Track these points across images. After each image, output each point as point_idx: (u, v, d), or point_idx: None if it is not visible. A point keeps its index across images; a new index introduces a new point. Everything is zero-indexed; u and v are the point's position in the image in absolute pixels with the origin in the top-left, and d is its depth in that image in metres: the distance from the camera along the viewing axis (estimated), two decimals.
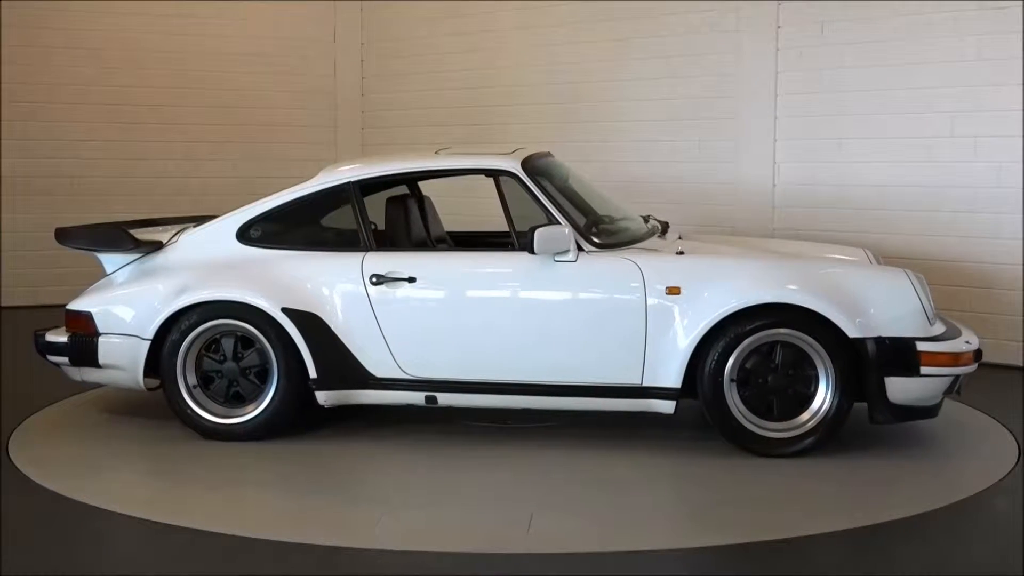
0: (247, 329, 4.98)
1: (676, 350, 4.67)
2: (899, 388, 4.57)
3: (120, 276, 5.36)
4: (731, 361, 4.64)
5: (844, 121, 7.10)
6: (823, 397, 4.65)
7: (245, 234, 5.22)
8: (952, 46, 6.61)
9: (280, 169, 8.86)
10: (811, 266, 4.92)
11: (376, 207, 5.36)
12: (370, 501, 4.39)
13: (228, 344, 5.04)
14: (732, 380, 4.66)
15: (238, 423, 5.02)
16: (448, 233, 5.94)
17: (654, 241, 5.12)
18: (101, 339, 5.13)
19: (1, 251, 8.78)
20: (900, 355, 4.55)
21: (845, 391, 4.61)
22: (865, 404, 4.66)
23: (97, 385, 5.56)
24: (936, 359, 4.56)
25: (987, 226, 6.57)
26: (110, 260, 5.41)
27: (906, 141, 6.85)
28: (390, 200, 5.40)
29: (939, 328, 4.74)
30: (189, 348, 5.03)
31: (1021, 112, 6.37)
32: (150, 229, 5.59)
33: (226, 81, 9.42)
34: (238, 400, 5.06)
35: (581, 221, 5.00)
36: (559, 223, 4.81)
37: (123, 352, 5.10)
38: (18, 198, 8.82)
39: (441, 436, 5.11)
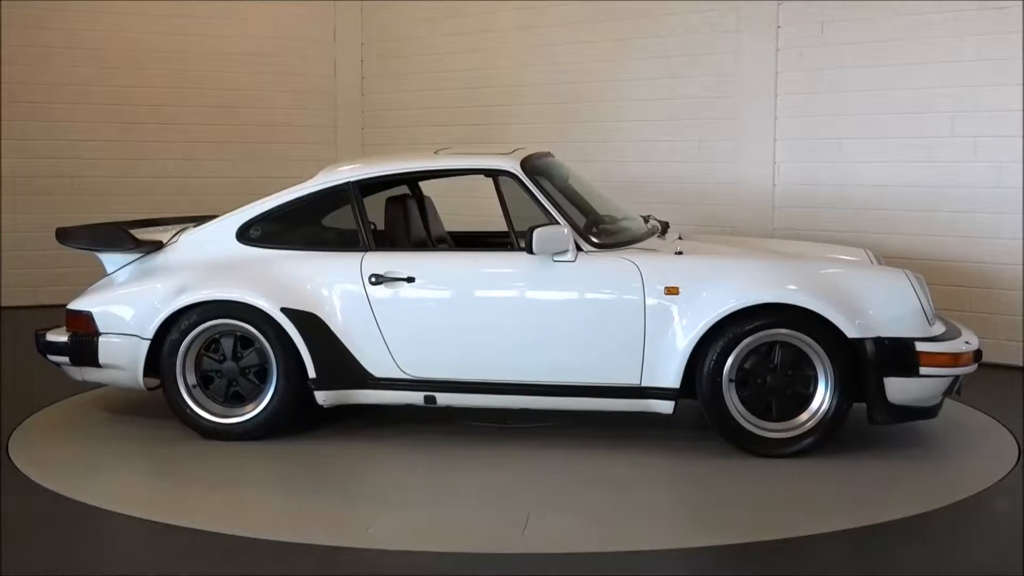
0: (246, 329, 4.98)
1: (675, 350, 4.67)
2: (898, 388, 4.57)
3: (120, 276, 5.37)
4: (730, 361, 4.64)
5: (844, 121, 7.10)
6: (822, 397, 4.65)
7: (245, 234, 5.22)
8: (952, 46, 6.61)
9: (280, 169, 8.86)
10: (810, 266, 4.92)
11: (376, 207, 5.37)
12: (370, 501, 4.39)
13: (227, 344, 5.04)
14: (731, 380, 4.66)
15: (237, 423, 5.03)
16: (449, 233, 5.95)
17: (653, 241, 5.12)
18: (101, 339, 5.14)
19: (1, 251, 8.78)
20: (899, 355, 4.54)
21: (844, 391, 4.61)
22: (864, 404, 4.66)
23: (98, 385, 5.57)
24: (935, 359, 4.56)
25: (987, 226, 6.57)
26: (111, 260, 5.42)
27: (906, 141, 6.85)
28: (390, 200, 5.40)
29: (939, 328, 4.74)
30: (189, 348, 5.03)
31: (1021, 112, 6.37)
32: (151, 229, 5.60)
33: (226, 81, 9.42)
34: (237, 400, 5.06)
35: (581, 221, 5.00)
36: (558, 223, 4.81)
37: (123, 352, 5.11)
38: (18, 198, 8.82)
39: (441, 436, 5.11)
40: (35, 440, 5.12)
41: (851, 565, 3.75)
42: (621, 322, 4.72)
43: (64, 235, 5.42)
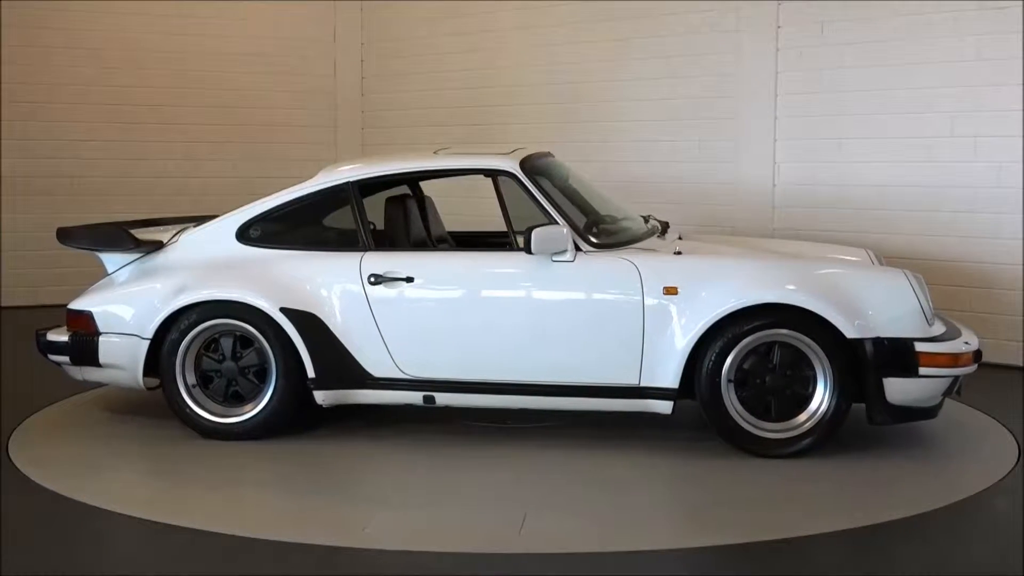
0: (246, 329, 4.98)
1: (673, 350, 4.67)
2: (897, 389, 4.56)
3: (121, 276, 5.37)
4: (728, 361, 4.64)
5: (844, 121, 7.10)
6: (821, 398, 4.65)
7: (245, 234, 5.23)
8: (952, 46, 6.61)
9: (280, 169, 8.86)
10: (809, 266, 4.91)
11: (376, 207, 5.37)
12: (369, 501, 4.39)
13: (227, 343, 5.04)
14: (729, 381, 4.66)
15: (237, 422, 5.03)
16: (449, 233, 5.95)
17: (652, 241, 5.12)
18: (101, 338, 5.14)
19: (1, 251, 8.78)
20: (898, 356, 4.54)
21: (843, 392, 4.60)
22: (864, 405, 4.66)
23: (98, 384, 5.57)
24: (935, 360, 4.55)
25: (987, 226, 6.56)
26: (111, 260, 5.43)
27: (906, 141, 6.85)
28: (389, 200, 5.41)
29: (939, 328, 4.74)
30: (188, 347, 5.04)
31: (1021, 112, 6.36)
32: (151, 229, 5.60)
33: (226, 81, 9.42)
34: (237, 399, 5.06)
35: (581, 221, 5.00)
36: (557, 223, 4.81)
37: (123, 351, 5.11)
38: (18, 198, 8.82)
39: (440, 436, 5.11)
40: (35, 440, 5.12)
41: (851, 565, 3.74)
42: (620, 322, 4.72)
43: (65, 235, 5.43)
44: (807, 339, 4.60)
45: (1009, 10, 6.38)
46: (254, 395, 5.03)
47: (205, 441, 5.02)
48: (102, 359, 5.15)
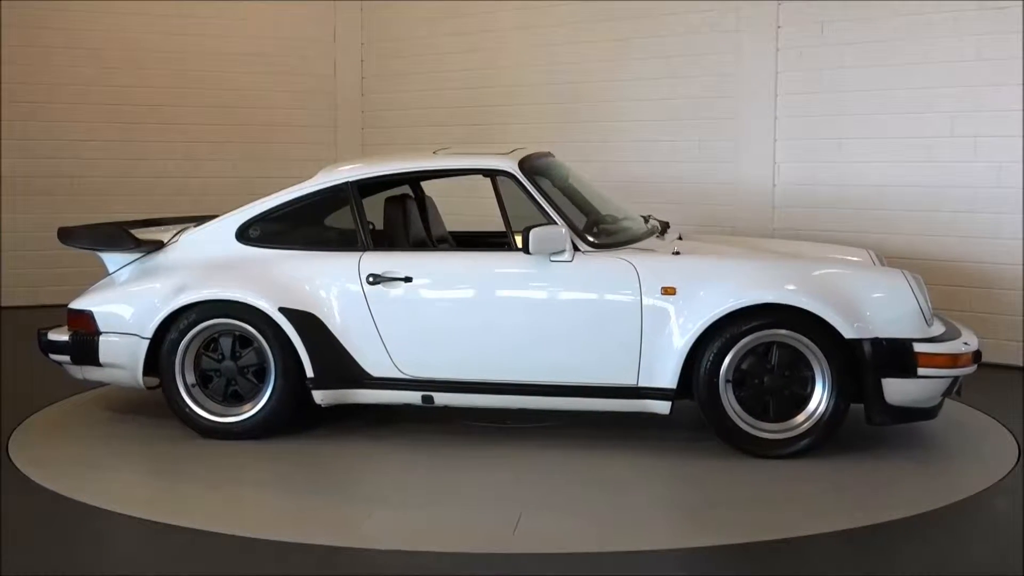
0: (245, 328, 4.99)
1: (672, 350, 4.67)
2: (896, 389, 4.56)
3: (121, 275, 5.38)
4: (727, 362, 4.63)
5: (844, 121, 7.10)
6: (819, 398, 4.64)
7: (244, 234, 5.23)
8: (952, 46, 6.61)
9: (280, 169, 8.86)
10: (807, 266, 4.89)
11: (376, 207, 5.37)
12: (369, 501, 4.39)
13: (226, 343, 5.05)
14: (728, 381, 4.65)
15: (236, 422, 5.03)
16: (450, 233, 5.95)
17: (651, 241, 5.12)
18: (102, 338, 5.15)
19: (1, 251, 8.78)
20: (897, 356, 4.53)
21: (842, 392, 4.60)
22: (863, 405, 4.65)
23: (99, 384, 5.58)
24: (934, 360, 4.55)
25: (987, 226, 6.56)
26: (112, 260, 5.44)
27: (906, 141, 6.85)
28: (388, 200, 5.40)
29: (938, 329, 4.73)
30: (188, 347, 5.04)
31: (1021, 112, 6.36)
32: (152, 229, 5.61)
33: (226, 81, 9.42)
34: (236, 399, 5.06)
35: (581, 221, 5.00)
36: (555, 223, 4.80)
37: (123, 351, 5.12)
38: (18, 198, 8.82)
39: (439, 436, 5.11)
40: (35, 440, 5.12)
41: (851, 565, 3.74)
42: (618, 322, 4.72)
43: (66, 235, 5.45)
44: (805, 339, 4.60)
45: (1009, 10, 6.38)
46: (253, 395, 5.03)
47: (205, 441, 5.02)
48: (102, 358, 5.15)
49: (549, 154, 5.57)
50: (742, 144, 7.54)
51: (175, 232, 5.46)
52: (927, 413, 4.73)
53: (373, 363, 4.96)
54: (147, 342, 5.05)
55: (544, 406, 4.92)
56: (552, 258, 4.78)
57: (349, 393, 5.01)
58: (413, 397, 4.97)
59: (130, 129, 9.16)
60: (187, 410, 5.05)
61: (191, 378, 5.07)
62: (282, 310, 4.92)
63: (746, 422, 4.68)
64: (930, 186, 6.76)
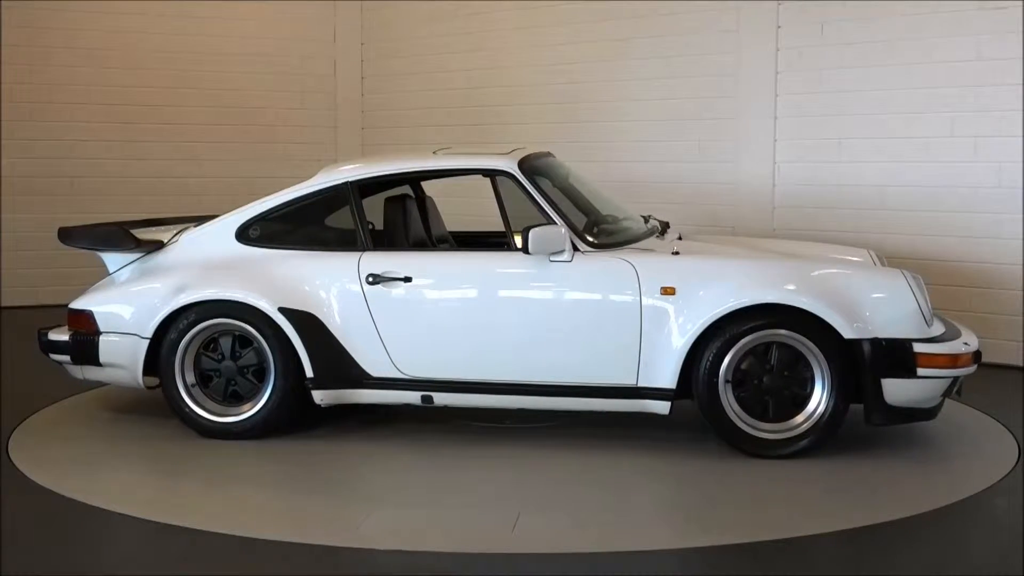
0: (245, 328, 4.99)
1: (671, 351, 4.67)
2: (896, 390, 4.55)
3: (122, 275, 5.39)
4: (726, 362, 4.63)
5: (844, 121, 7.10)
6: (819, 399, 4.64)
7: (244, 234, 5.23)
8: (952, 46, 6.61)
9: (280, 169, 8.87)
10: (806, 266, 4.88)
11: (377, 207, 5.37)
12: (369, 501, 4.39)
13: (226, 343, 5.05)
14: (727, 381, 4.65)
15: (235, 422, 5.03)
16: (451, 233, 5.94)
17: (651, 241, 5.12)
18: (102, 338, 5.15)
19: (1, 251, 8.78)
20: (896, 356, 4.53)
21: (841, 393, 4.60)
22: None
23: (99, 384, 5.58)
24: (933, 360, 4.54)
25: (987, 226, 6.56)
26: (113, 259, 5.44)
27: (906, 141, 6.85)
28: (388, 200, 5.41)
29: (938, 329, 4.73)
30: (187, 347, 5.04)
31: (1021, 112, 6.36)
32: (152, 229, 5.61)
33: (226, 81, 9.42)
34: (236, 399, 5.07)
35: (581, 221, 5.00)
36: (555, 223, 4.80)
37: (123, 350, 5.12)
38: (18, 198, 8.82)
39: (439, 436, 5.11)
40: (35, 440, 5.12)
41: (851, 565, 3.74)
42: (617, 322, 4.72)
43: (66, 235, 5.46)
44: (805, 340, 4.59)
45: (1009, 10, 6.38)
46: (253, 395, 5.03)
47: (205, 441, 5.02)
48: (102, 358, 5.16)
49: (549, 154, 5.57)
50: (742, 144, 7.54)
51: (175, 232, 5.47)
52: (927, 413, 4.72)
53: (372, 363, 4.96)
54: (147, 342, 5.05)
55: (543, 406, 4.92)
56: (551, 258, 4.78)
57: (349, 393, 5.01)
58: (412, 397, 4.97)
59: (130, 129, 9.16)
60: (187, 410, 5.05)
61: (191, 378, 5.07)
62: (282, 310, 4.92)
63: (745, 422, 4.68)
64: (930, 186, 6.77)
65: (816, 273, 4.76)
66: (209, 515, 4.11)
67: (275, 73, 9.57)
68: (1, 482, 4.50)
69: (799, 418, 4.67)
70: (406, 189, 5.69)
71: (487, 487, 4.47)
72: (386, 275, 4.95)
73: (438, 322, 4.93)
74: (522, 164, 5.03)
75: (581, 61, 8.34)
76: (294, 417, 5.09)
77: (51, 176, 8.96)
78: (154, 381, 5.15)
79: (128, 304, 5.14)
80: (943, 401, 4.79)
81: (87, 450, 4.99)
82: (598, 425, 5.17)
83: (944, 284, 6.52)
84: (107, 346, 5.14)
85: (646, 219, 5.48)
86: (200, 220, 5.59)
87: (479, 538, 3.89)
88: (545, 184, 5.04)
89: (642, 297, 4.70)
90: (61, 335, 5.29)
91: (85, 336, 5.19)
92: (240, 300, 4.95)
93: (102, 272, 5.51)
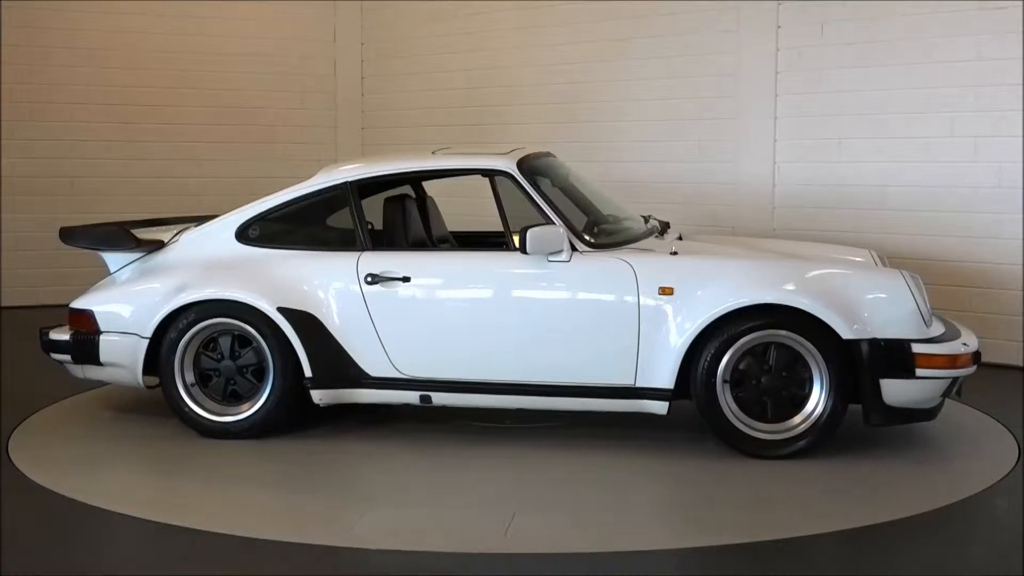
0: (244, 328, 4.99)
1: (669, 351, 4.66)
2: (894, 390, 4.55)
3: (122, 275, 5.40)
4: (724, 362, 4.63)
5: (844, 121, 7.10)
6: (817, 399, 4.63)
7: (244, 234, 5.24)
8: (952, 46, 6.61)
9: (280, 169, 8.87)
10: (804, 266, 4.87)
11: (377, 207, 5.37)
12: (368, 501, 4.39)
13: (225, 343, 5.05)
14: (725, 381, 4.65)
15: (235, 421, 5.04)
16: (452, 233, 5.94)
17: (650, 241, 5.11)
18: (102, 337, 5.16)
19: (1, 251, 8.78)
20: (895, 357, 4.52)
21: (840, 393, 4.59)
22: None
23: (99, 383, 5.59)
24: (932, 361, 4.53)
25: (987, 226, 6.56)
26: (114, 259, 5.45)
27: (906, 141, 6.85)
28: (387, 200, 5.41)
29: (938, 329, 4.72)
30: (187, 346, 5.05)
31: (1021, 112, 6.36)
32: (153, 229, 5.62)
33: (226, 81, 9.42)
34: (235, 398, 5.07)
35: (581, 221, 5.00)
36: (553, 223, 4.80)
37: (123, 350, 5.13)
38: (18, 198, 8.82)
39: (439, 436, 5.11)
40: (35, 440, 5.12)
41: (851, 565, 3.74)
42: (615, 322, 4.72)
43: (67, 235, 5.47)
44: (803, 340, 4.59)
45: (1009, 10, 6.38)
46: (252, 394, 5.04)
47: (205, 440, 5.02)
48: (103, 358, 5.16)
49: (549, 154, 5.57)
50: (742, 144, 7.54)
51: (175, 232, 5.47)
52: (926, 414, 4.72)
53: (371, 363, 4.96)
54: (147, 341, 5.06)
55: (541, 406, 4.92)
56: (550, 258, 4.78)
57: (347, 393, 5.01)
58: (411, 397, 4.97)
59: (130, 129, 9.16)
60: (186, 409, 5.06)
61: (190, 377, 5.07)
62: (281, 310, 4.92)
63: (743, 422, 4.67)
64: (930, 186, 6.76)
65: (815, 273, 4.76)
66: (209, 515, 4.11)
67: (275, 73, 9.57)
68: (1, 482, 4.50)
69: (797, 418, 4.66)
70: (406, 189, 5.69)
71: (486, 487, 4.47)
72: (385, 275, 4.95)
73: (436, 322, 4.93)
74: (521, 164, 5.03)
75: (581, 61, 8.34)
76: (293, 417, 5.10)
77: (51, 176, 8.96)
78: (154, 380, 5.16)
79: (128, 304, 5.15)
80: (943, 402, 4.79)
81: (87, 450, 4.99)
82: (597, 425, 5.17)
83: (944, 284, 6.52)
84: (107, 345, 5.14)
85: (646, 219, 5.48)
86: (200, 220, 5.60)
87: (479, 538, 3.89)
88: (544, 184, 5.04)
89: (640, 297, 4.70)
90: (62, 335, 5.29)
91: (86, 335, 5.19)
92: (239, 300, 4.95)
93: (102, 272, 5.52)
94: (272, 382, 4.98)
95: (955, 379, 4.66)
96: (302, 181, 5.30)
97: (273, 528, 4.01)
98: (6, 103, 8.78)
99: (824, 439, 4.65)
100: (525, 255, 4.75)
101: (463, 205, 6.75)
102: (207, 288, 5.01)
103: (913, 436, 4.99)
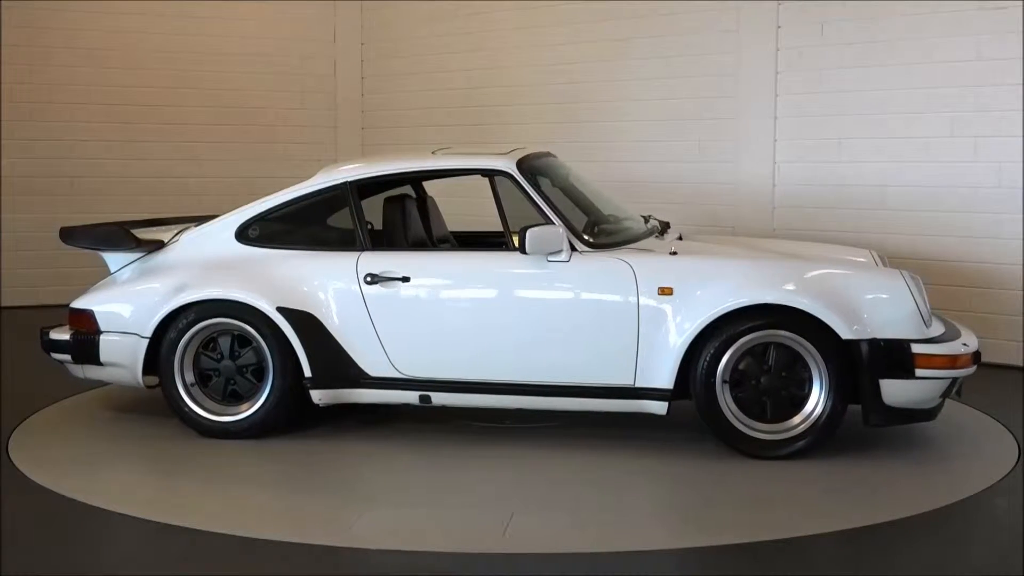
0: (244, 328, 4.99)
1: (668, 351, 4.66)
2: (894, 390, 4.54)
3: (122, 275, 5.40)
4: (723, 362, 4.62)
5: (844, 121, 7.10)
6: (817, 399, 4.63)
7: (244, 234, 5.24)
8: (952, 46, 6.61)
9: (280, 169, 8.87)
10: (804, 266, 4.86)
11: (377, 207, 5.37)
12: (368, 501, 4.39)
13: (225, 343, 5.05)
14: (724, 381, 4.65)
15: (234, 421, 5.04)
16: (452, 233, 5.94)
17: (650, 241, 5.11)
18: (102, 337, 5.16)
19: (1, 251, 8.79)
20: (894, 357, 4.52)
21: (839, 393, 4.59)
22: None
23: (99, 383, 5.59)
24: (932, 361, 4.53)
25: (987, 226, 6.56)
26: (114, 259, 5.45)
27: (906, 141, 6.85)
28: (387, 200, 5.41)
29: (938, 329, 4.72)
30: (187, 346, 5.05)
31: (1021, 112, 6.36)
32: (153, 229, 5.62)
33: (226, 81, 9.42)
34: (235, 398, 5.07)
35: (581, 221, 5.00)
36: (553, 223, 4.80)
37: (123, 350, 5.13)
38: (18, 198, 8.83)
39: (439, 436, 5.12)
40: (35, 440, 5.12)
41: (851, 565, 3.74)
42: (615, 322, 4.72)
43: (68, 235, 5.48)
44: (803, 340, 4.59)
45: (1009, 10, 6.38)
46: (252, 394, 5.04)
47: (205, 440, 5.02)
48: (103, 357, 5.16)
49: (549, 154, 5.57)
50: (742, 144, 7.54)
51: (176, 232, 5.47)
52: (926, 414, 4.71)
53: (371, 363, 4.96)
54: (147, 341, 5.06)
55: (541, 406, 4.92)
56: (549, 258, 4.78)
57: (347, 393, 5.01)
58: (411, 397, 4.97)
59: (130, 129, 9.16)
60: (186, 409, 5.06)
61: (190, 377, 5.07)
62: (280, 310, 4.92)
63: (743, 423, 4.67)
64: (930, 186, 6.77)
65: (814, 273, 4.75)
66: (209, 515, 4.11)
67: (275, 73, 9.57)
68: (1, 482, 4.50)
69: (797, 419, 4.66)
70: (406, 189, 5.69)
71: (486, 487, 4.47)
72: (384, 275, 4.95)
73: (436, 322, 4.93)
74: (520, 164, 5.03)
75: (581, 61, 8.34)
76: (292, 417, 5.10)
77: (51, 176, 8.96)
78: (154, 380, 5.16)
79: (128, 303, 5.15)
80: (943, 402, 4.78)
81: (87, 450, 5.00)
82: (597, 425, 5.17)
83: (944, 284, 6.52)
84: (107, 345, 5.15)
85: (646, 219, 5.48)
86: (200, 220, 5.60)
87: (478, 538, 3.89)
88: (544, 184, 5.04)
89: (639, 297, 4.70)
90: (62, 334, 5.30)
91: (86, 335, 5.19)
92: (239, 300, 4.95)
93: (103, 272, 5.52)
94: (272, 382, 4.98)
95: (955, 379, 4.66)
96: (302, 181, 5.30)
97: (273, 528, 4.01)
98: (6, 103, 8.78)
99: (824, 439, 4.65)
100: (525, 255, 4.75)
101: (463, 205, 6.75)
102: (207, 288, 5.01)
103: (913, 436, 4.99)
